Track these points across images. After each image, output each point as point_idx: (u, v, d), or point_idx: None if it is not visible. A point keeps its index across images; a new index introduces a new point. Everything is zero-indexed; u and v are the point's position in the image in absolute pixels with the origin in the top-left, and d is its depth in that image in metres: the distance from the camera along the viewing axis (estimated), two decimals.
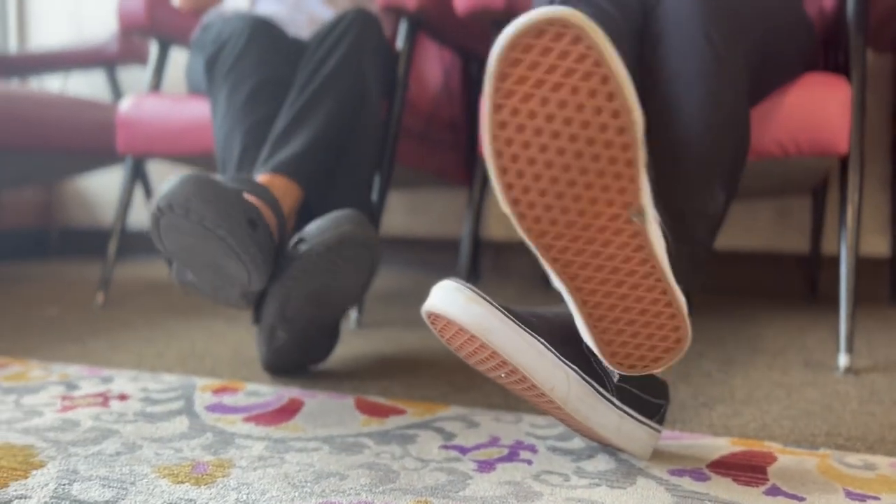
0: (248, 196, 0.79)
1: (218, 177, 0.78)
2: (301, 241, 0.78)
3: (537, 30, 0.44)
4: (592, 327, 0.54)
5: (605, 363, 0.56)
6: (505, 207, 0.49)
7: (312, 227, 0.78)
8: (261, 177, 0.90)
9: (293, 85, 1.03)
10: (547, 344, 0.56)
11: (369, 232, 0.78)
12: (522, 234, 0.50)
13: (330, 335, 0.90)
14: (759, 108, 0.97)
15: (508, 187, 0.48)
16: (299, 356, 0.87)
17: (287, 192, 0.90)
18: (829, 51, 1.28)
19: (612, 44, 0.45)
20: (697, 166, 0.70)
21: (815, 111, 0.96)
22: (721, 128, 0.72)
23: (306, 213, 0.96)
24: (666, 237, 0.56)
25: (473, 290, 0.55)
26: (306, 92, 0.99)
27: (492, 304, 0.55)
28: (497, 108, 0.46)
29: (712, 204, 0.70)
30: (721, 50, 0.75)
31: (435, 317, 0.56)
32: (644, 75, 0.79)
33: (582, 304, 0.53)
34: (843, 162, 1.00)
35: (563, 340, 0.57)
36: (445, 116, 1.60)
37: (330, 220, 0.77)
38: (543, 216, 0.49)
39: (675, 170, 0.69)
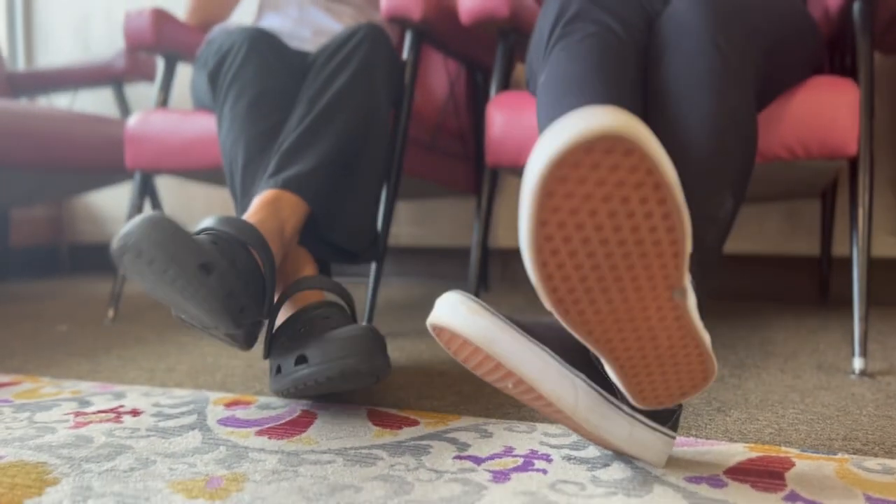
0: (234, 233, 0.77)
1: (212, 221, 0.77)
2: (303, 359, 0.75)
3: (587, 146, 0.41)
4: (623, 378, 0.54)
5: (633, 403, 0.56)
6: (549, 306, 0.48)
7: (317, 350, 0.74)
8: (268, 192, 0.90)
9: (301, 97, 1.03)
10: (552, 353, 0.56)
11: (377, 362, 0.74)
12: (564, 323, 0.50)
13: None
14: (766, 111, 0.97)
15: (553, 291, 0.47)
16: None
17: (295, 208, 0.90)
18: (834, 53, 1.28)
19: (660, 145, 0.43)
20: (706, 172, 0.70)
21: (823, 113, 0.95)
22: (729, 134, 0.72)
23: (310, 224, 0.96)
24: (699, 293, 0.56)
25: (476, 302, 0.55)
26: (317, 107, 0.99)
27: (495, 314, 0.55)
28: (542, 223, 0.44)
29: (722, 209, 0.70)
30: (729, 56, 0.75)
31: (439, 329, 0.56)
32: (650, 84, 0.79)
33: (617, 366, 0.53)
34: (853, 164, 1.00)
35: (570, 349, 0.57)
36: (452, 126, 1.60)
37: (337, 345, 0.73)
38: (588, 309, 0.48)
39: (685, 176, 0.68)
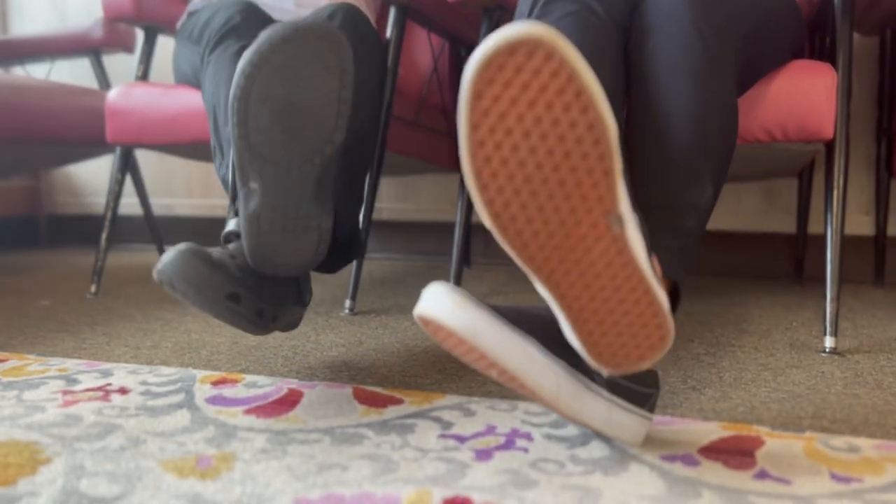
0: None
1: (217, 251, 0.77)
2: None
3: (509, 49, 0.45)
4: (577, 330, 0.55)
5: (591, 363, 0.58)
6: (486, 222, 0.50)
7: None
8: None
9: None
10: (535, 343, 0.57)
11: (332, 28, 0.72)
12: (505, 246, 0.51)
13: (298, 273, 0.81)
14: (746, 94, 0.98)
15: (489, 203, 0.49)
16: (271, 246, 0.78)
17: None
18: (814, 34, 1.30)
19: (582, 57, 0.46)
20: (687, 160, 0.71)
21: (801, 98, 0.97)
22: (709, 121, 0.73)
23: None
24: (645, 237, 0.57)
25: (462, 295, 0.57)
26: None
27: (480, 306, 0.56)
28: (474, 127, 0.47)
29: (703, 196, 0.72)
30: (712, 43, 0.76)
31: (426, 321, 0.57)
32: (631, 69, 0.80)
33: (566, 309, 0.54)
34: (829, 147, 1.02)
35: (553, 337, 0.58)
36: (436, 103, 1.60)
37: (290, 22, 0.72)
38: (525, 229, 0.50)
39: (666, 163, 0.70)
